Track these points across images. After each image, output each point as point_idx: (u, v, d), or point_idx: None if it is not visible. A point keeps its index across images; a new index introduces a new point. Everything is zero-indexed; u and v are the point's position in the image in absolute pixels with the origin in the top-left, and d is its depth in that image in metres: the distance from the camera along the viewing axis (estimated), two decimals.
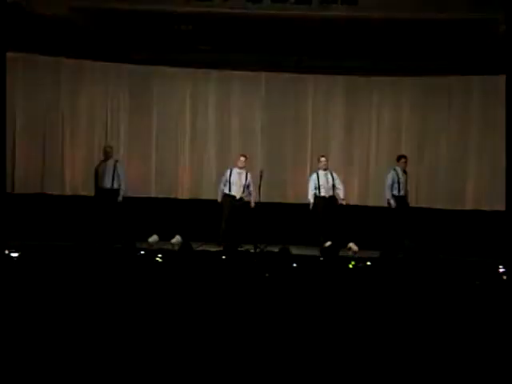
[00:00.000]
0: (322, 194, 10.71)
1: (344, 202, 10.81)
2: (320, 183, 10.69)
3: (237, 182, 10.76)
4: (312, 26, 10.31)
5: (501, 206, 11.13)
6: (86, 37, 11.20)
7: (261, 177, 10.36)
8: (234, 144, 12.07)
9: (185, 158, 12.04)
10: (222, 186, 10.86)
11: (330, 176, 10.78)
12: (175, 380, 3.84)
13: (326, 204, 10.66)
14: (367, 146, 11.97)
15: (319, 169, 10.85)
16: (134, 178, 11.87)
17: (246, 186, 10.79)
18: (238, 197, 10.76)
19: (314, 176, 10.80)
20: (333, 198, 10.74)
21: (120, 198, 10.70)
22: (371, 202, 11.86)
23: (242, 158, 10.89)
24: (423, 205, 11.40)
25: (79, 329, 4.36)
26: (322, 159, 10.86)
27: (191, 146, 12.07)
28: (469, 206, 11.32)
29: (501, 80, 11.24)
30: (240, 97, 12.09)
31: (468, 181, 11.49)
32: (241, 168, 10.84)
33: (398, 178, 10.69)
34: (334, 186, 10.75)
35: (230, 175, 10.79)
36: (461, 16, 9.65)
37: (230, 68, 12.05)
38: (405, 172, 10.79)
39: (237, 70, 12.06)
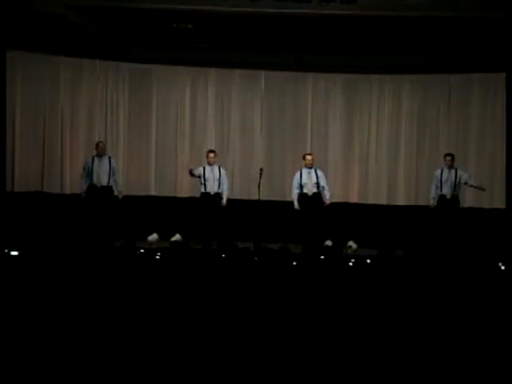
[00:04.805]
0: (305, 191, 10.53)
1: (327, 202, 10.52)
2: (303, 181, 10.54)
3: (211, 178, 10.68)
4: (311, 24, 10.31)
5: (500, 204, 11.18)
6: (85, 35, 11.20)
7: (260, 175, 10.33)
8: (233, 142, 12.07)
9: (184, 155, 12.03)
10: (201, 186, 10.73)
11: (314, 174, 10.66)
12: (175, 377, 3.84)
13: (310, 201, 10.55)
14: (367, 144, 11.96)
15: (304, 167, 10.67)
16: (134, 177, 11.89)
17: (221, 182, 10.69)
18: (212, 193, 10.67)
19: (297, 174, 10.64)
20: (317, 196, 10.57)
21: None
22: (371, 200, 11.86)
23: (211, 154, 10.76)
24: (422, 203, 11.40)
25: (79, 327, 4.36)
26: (308, 157, 10.67)
27: (191, 145, 12.07)
28: (468, 204, 11.31)
29: (501, 78, 11.30)
30: (239, 95, 12.08)
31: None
32: (211, 164, 10.77)
33: (441, 177, 10.49)
34: (318, 183, 10.57)
35: (204, 173, 10.71)
36: (460, 14, 9.64)
37: (230, 66, 12.04)
38: (454, 170, 10.40)
39: (236, 68, 12.05)
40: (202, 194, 10.67)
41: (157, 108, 12.02)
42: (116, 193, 10.55)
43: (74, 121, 11.59)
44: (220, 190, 10.68)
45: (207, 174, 10.66)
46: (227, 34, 11.25)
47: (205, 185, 10.65)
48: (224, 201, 10.66)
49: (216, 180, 10.67)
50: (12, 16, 9.85)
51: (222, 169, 10.82)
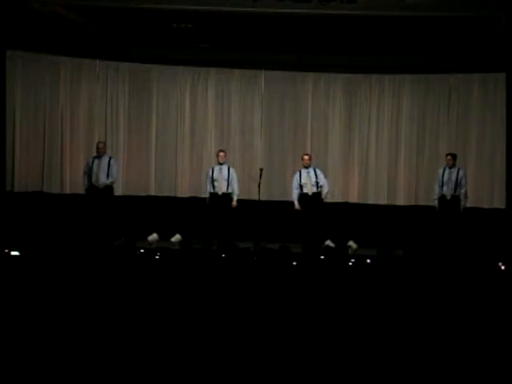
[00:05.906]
0: (305, 191, 10.56)
1: (324, 197, 10.57)
2: (302, 181, 10.55)
3: (219, 178, 10.67)
4: (311, 24, 10.31)
5: (500, 204, 11.17)
6: (85, 35, 11.21)
7: (260, 174, 10.35)
8: (233, 142, 12.07)
9: (184, 156, 12.03)
10: (208, 185, 10.69)
11: (313, 173, 10.65)
12: (175, 377, 3.84)
13: (310, 201, 10.55)
14: (367, 144, 11.96)
15: (302, 167, 10.68)
16: (134, 177, 11.89)
17: (230, 182, 10.68)
18: (220, 193, 10.66)
19: (297, 175, 10.65)
20: (317, 196, 10.57)
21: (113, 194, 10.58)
22: (371, 200, 11.86)
23: (222, 154, 10.78)
24: (422, 203, 11.41)
25: (79, 327, 4.36)
26: (305, 157, 10.70)
27: (191, 144, 12.07)
28: (468, 204, 11.29)
29: (501, 78, 11.29)
30: (240, 95, 12.08)
31: (467, 178, 11.46)
32: (221, 164, 10.77)
33: (443, 177, 10.48)
34: (317, 182, 10.58)
35: (213, 173, 10.68)
36: (461, 13, 9.64)
37: (230, 66, 12.04)
38: (456, 170, 10.46)
39: (236, 68, 12.06)
40: (211, 194, 10.65)
41: (157, 108, 12.02)
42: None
43: (73, 121, 11.59)
44: (230, 191, 10.65)
45: (216, 175, 10.65)
46: (227, 34, 11.25)
47: (213, 185, 10.64)
48: (234, 202, 10.65)
49: (225, 180, 10.64)
50: (12, 16, 9.85)
51: (231, 169, 10.80)
